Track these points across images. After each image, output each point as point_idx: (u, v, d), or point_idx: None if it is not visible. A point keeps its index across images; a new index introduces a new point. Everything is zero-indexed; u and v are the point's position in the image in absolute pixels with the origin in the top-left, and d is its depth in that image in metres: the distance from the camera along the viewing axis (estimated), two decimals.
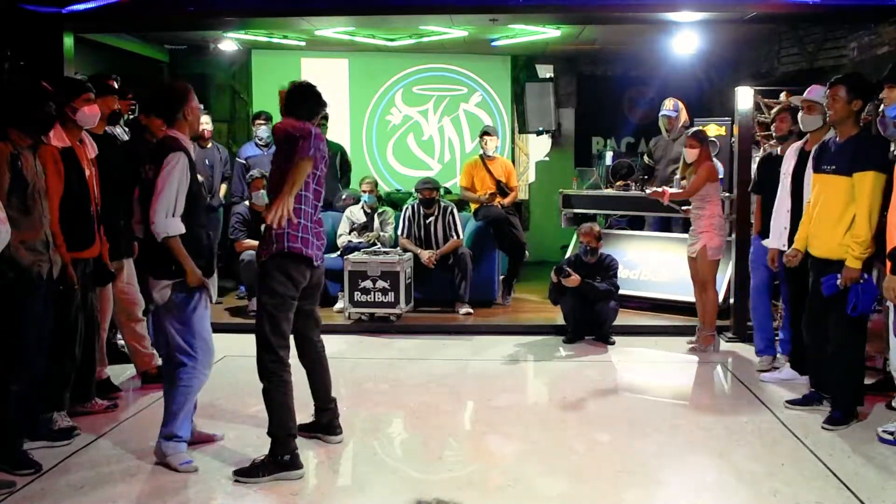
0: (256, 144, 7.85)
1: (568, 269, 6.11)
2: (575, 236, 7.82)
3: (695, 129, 6.21)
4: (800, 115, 4.88)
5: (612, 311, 6.20)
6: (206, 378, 3.89)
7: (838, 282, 4.18)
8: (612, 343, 6.17)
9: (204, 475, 3.74)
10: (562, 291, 6.19)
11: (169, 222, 3.62)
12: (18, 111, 3.68)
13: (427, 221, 7.23)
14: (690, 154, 5.85)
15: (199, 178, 3.90)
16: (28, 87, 3.78)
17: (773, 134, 5.55)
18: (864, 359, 4.45)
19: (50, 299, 3.86)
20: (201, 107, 3.92)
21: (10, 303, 3.63)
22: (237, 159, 7.82)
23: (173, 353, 3.80)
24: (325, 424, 4.10)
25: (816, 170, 4.44)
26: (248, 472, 3.65)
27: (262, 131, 7.78)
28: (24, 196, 3.65)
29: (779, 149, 5.39)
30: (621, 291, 7.16)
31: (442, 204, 7.29)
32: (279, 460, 3.65)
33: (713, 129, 7.34)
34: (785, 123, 5.33)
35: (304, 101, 3.79)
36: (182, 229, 3.66)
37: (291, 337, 3.90)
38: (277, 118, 8.45)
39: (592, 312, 6.17)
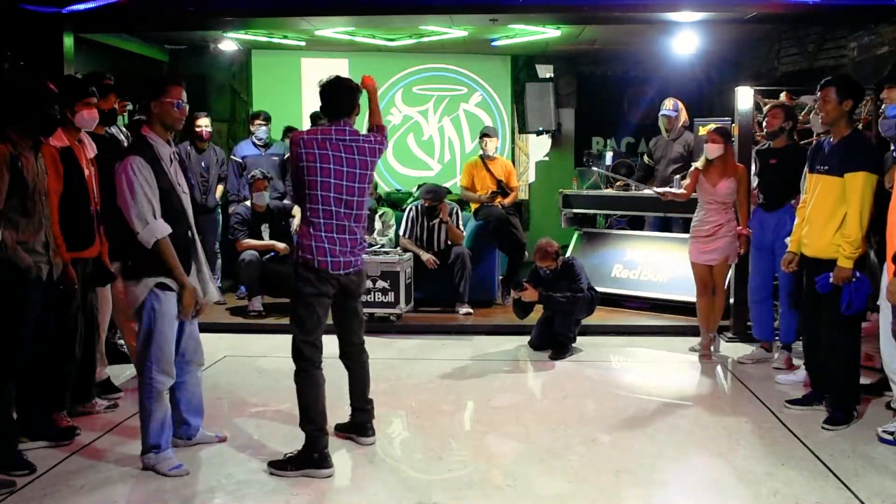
0: (254, 144, 7.83)
1: (524, 282, 5.90)
2: (574, 238, 7.85)
3: (718, 126, 5.97)
4: (811, 116, 4.93)
5: (572, 323, 5.87)
6: (163, 387, 3.73)
7: (831, 279, 4.21)
8: (568, 354, 5.86)
9: (204, 475, 3.74)
10: (526, 307, 6.04)
11: (153, 227, 3.55)
12: (21, 112, 3.67)
13: (431, 223, 7.22)
14: (713, 149, 5.56)
15: (170, 174, 3.71)
16: (32, 89, 3.75)
17: (764, 130, 5.58)
18: (859, 357, 4.46)
19: (50, 301, 3.86)
20: (182, 101, 3.73)
21: (8, 304, 3.62)
22: (232, 157, 7.79)
23: (136, 360, 3.75)
24: (358, 425, 4.13)
25: (811, 170, 4.49)
26: (279, 465, 3.73)
27: (262, 132, 7.76)
28: (24, 197, 3.64)
29: (770, 143, 5.46)
30: (620, 291, 7.21)
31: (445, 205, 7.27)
32: (308, 457, 3.71)
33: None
34: (777, 119, 5.37)
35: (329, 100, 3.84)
36: (168, 229, 3.58)
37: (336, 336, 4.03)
38: (276, 118, 8.49)
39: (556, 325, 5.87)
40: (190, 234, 3.80)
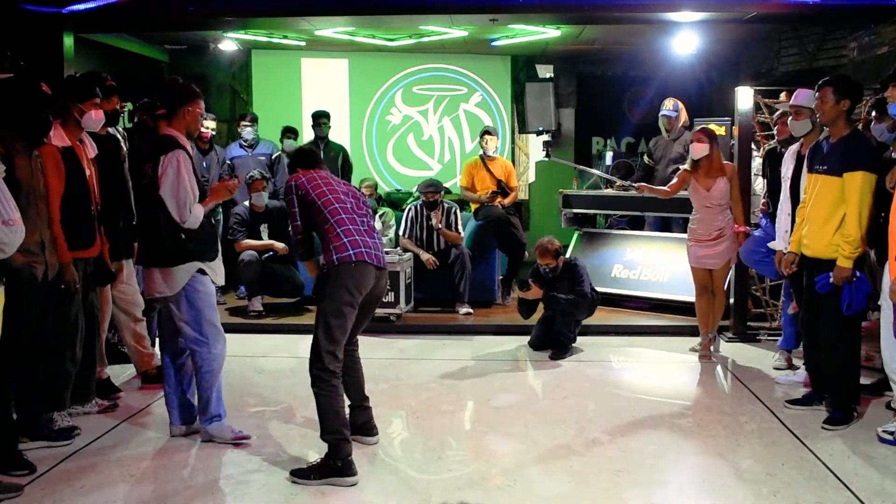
0: (241, 145, 7.83)
1: (529, 281, 5.93)
2: (574, 238, 7.85)
3: (702, 126, 5.92)
4: (789, 120, 4.91)
5: (572, 323, 5.88)
6: (222, 360, 4.08)
7: (831, 279, 4.20)
8: (568, 354, 5.86)
9: (204, 475, 3.74)
10: (530, 307, 6.07)
11: (196, 214, 3.89)
12: (12, 115, 3.66)
13: (430, 222, 7.22)
14: (698, 149, 5.50)
15: (196, 170, 4.07)
16: (25, 91, 3.75)
17: (776, 137, 5.57)
18: (858, 357, 4.46)
19: (49, 300, 3.86)
20: (203, 110, 4.08)
21: (5, 305, 3.61)
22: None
23: (187, 345, 4.02)
24: (361, 425, 4.10)
25: (810, 170, 4.49)
26: (302, 474, 3.66)
27: (247, 133, 7.78)
28: (17, 199, 3.61)
29: (780, 147, 5.41)
30: (620, 291, 7.22)
31: (445, 205, 7.28)
32: (332, 465, 3.64)
33: (713, 129, 7.33)
34: (787, 127, 5.33)
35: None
36: (202, 215, 3.93)
37: None
38: (276, 119, 8.50)
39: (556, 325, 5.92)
40: (212, 220, 4.15)
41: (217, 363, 4.04)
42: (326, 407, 3.67)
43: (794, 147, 5.00)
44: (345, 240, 3.72)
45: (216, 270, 4.08)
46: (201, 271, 3.98)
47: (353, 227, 3.77)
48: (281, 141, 8.11)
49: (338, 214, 3.79)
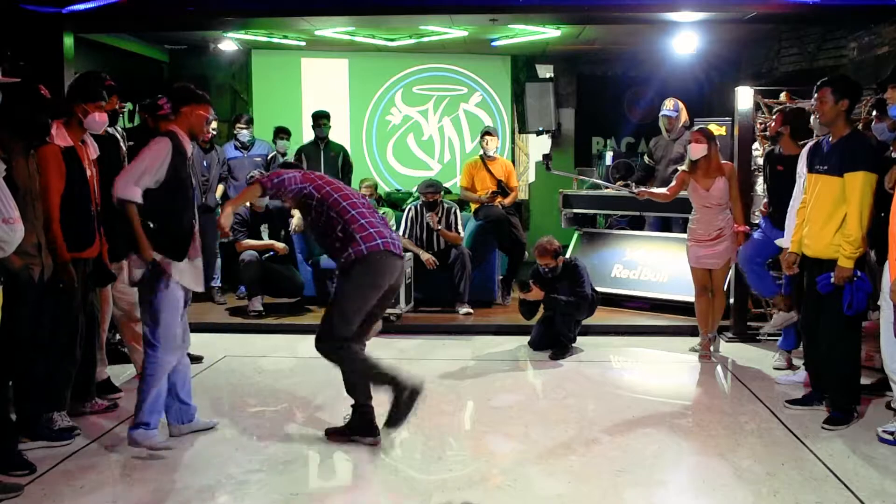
0: (235, 147, 7.83)
1: (530, 282, 5.93)
2: (574, 238, 7.85)
3: (700, 126, 5.92)
4: (812, 119, 4.92)
5: (572, 323, 5.89)
6: (167, 368, 3.96)
7: (832, 280, 4.20)
8: (568, 354, 5.87)
9: (204, 475, 3.74)
10: (532, 308, 6.08)
11: (128, 188, 3.74)
12: (9, 118, 3.66)
13: (429, 222, 7.21)
14: (696, 149, 5.51)
15: (189, 168, 4.03)
16: (23, 95, 3.75)
17: (768, 133, 5.57)
18: (858, 358, 4.46)
19: (46, 301, 3.86)
20: (211, 118, 4.09)
21: (3, 305, 3.61)
22: None
23: (143, 341, 3.98)
24: (364, 425, 4.11)
25: (810, 169, 4.48)
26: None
27: (243, 135, 7.78)
28: (15, 199, 3.62)
29: (780, 149, 5.39)
30: (620, 291, 7.22)
31: (445, 205, 7.29)
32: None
33: (713, 129, 7.32)
34: (776, 124, 5.34)
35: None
36: (138, 198, 3.75)
37: None
38: (276, 119, 8.54)
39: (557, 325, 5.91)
40: (193, 223, 4.02)
41: (160, 370, 3.92)
42: (355, 374, 3.96)
43: (811, 144, 4.97)
44: (370, 230, 3.89)
45: (185, 273, 3.94)
46: (162, 270, 3.86)
47: (373, 220, 3.96)
48: (274, 142, 8.12)
49: (357, 208, 3.97)
